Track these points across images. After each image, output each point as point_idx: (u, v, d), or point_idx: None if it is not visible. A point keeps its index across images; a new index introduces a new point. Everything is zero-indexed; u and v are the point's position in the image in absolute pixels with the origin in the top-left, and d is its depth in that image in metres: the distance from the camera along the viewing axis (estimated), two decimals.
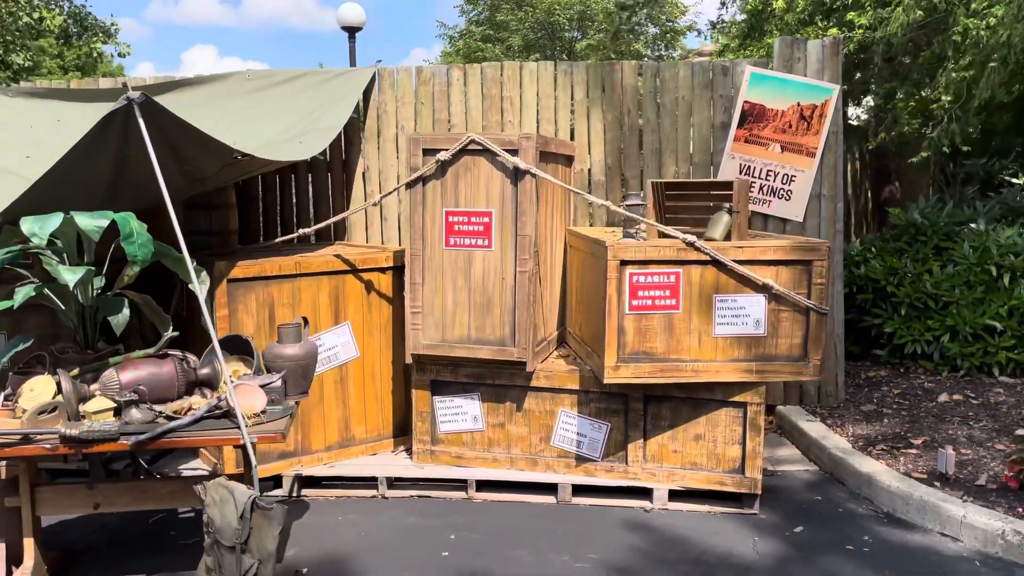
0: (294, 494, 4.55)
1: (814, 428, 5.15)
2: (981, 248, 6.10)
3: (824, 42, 5.50)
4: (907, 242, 6.67)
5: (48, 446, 3.06)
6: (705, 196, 4.59)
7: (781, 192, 5.49)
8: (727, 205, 4.19)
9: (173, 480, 3.80)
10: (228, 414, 3.24)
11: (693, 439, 4.32)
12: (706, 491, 4.34)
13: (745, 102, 5.49)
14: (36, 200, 3.52)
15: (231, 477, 3.42)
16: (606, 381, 4.12)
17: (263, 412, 3.32)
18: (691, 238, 4.02)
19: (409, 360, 4.55)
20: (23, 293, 3.27)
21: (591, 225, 5.69)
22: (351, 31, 12.87)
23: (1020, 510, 3.92)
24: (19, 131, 4.09)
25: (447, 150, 4.29)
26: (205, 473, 4.58)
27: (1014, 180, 8.05)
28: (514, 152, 4.22)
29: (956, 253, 6.20)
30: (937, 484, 4.26)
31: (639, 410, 4.35)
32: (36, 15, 11.83)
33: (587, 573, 3.66)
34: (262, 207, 5.94)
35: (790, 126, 5.44)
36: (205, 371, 3.53)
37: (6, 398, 3.40)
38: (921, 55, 7.50)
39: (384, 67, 5.73)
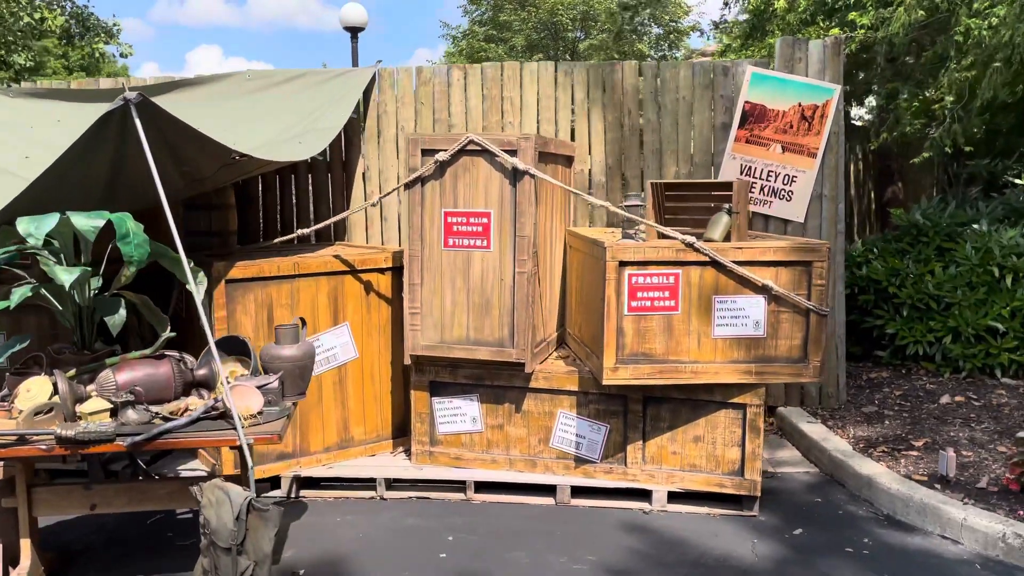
0: (292, 495, 4.55)
1: (815, 430, 5.13)
2: (983, 249, 6.07)
3: (825, 42, 5.48)
4: (909, 243, 6.65)
5: (44, 447, 3.06)
6: (705, 197, 4.58)
7: (782, 193, 5.48)
8: (727, 206, 4.18)
9: (170, 481, 3.79)
10: (225, 415, 3.23)
11: (692, 441, 4.30)
12: (705, 493, 4.33)
13: (746, 102, 5.47)
14: (34, 200, 3.51)
15: (229, 478, 3.42)
16: (605, 382, 4.10)
17: (260, 413, 3.31)
18: (690, 239, 4.01)
19: (408, 361, 4.54)
20: (19, 294, 3.27)
21: (591, 226, 5.68)
22: (353, 31, 12.88)
23: (1021, 513, 3.90)
24: (19, 131, 4.09)
25: (446, 151, 4.28)
26: (203, 474, 4.57)
27: (1017, 181, 8.02)
28: (513, 153, 4.21)
29: (958, 254, 6.17)
30: (938, 486, 4.24)
31: (638, 411, 4.33)
32: (37, 15, 11.85)
33: (585, 575, 3.65)
34: (262, 207, 5.94)
35: (791, 126, 5.42)
36: (202, 372, 3.52)
37: (2, 399, 3.39)
38: (923, 55, 7.47)
39: (384, 67, 5.73)
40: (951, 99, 6.63)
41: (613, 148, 5.67)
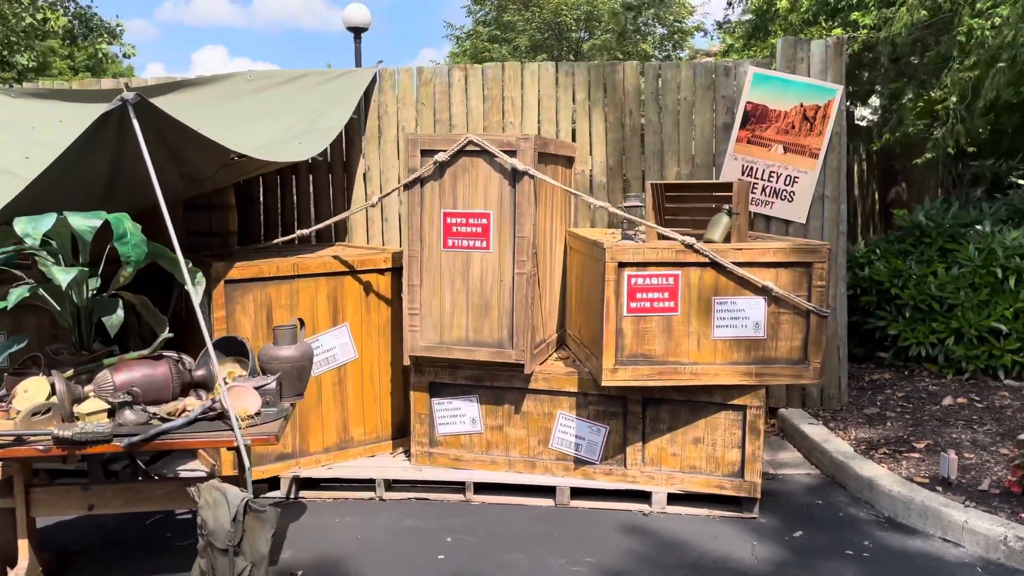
0: (291, 496, 4.54)
1: (816, 431, 5.11)
2: (987, 250, 6.04)
3: (827, 42, 5.46)
4: (912, 244, 6.62)
5: (41, 448, 3.06)
6: (705, 198, 4.56)
7: (784, 193, 5.46)
8: (727, 207, 4.16)
9: (168, 482, 3.79)
10: (222, 416, 3.23)
11: (692, 442, 4.29)
12: (705, 495, 4.31)
13: (748, 103, 5.45)
14: (34, 200, 3.52)
15: (228, 479, 3.41)
16: (604, 383, 4.09)
17: (257, 414, 3.30)
18: (690, 240, 3.99)
19: (407, 362, 4.54)
20: (17, 294, 3.27)
21: (592, 226, 5.66)
22: (356, 32, 12.88)
23: (1023, 515, 3.88)
24: (21, 131, 4.10)
25: (445, 151, 4.27)
26: (203, 474, 4.57)
27: (1021, 181, 7.98)
28: (512, 153, 4.20)
29: (961, 255, 6.15)
30: (939, 489, 4.22)
31: (638, 413, 4.32)
32: (40, 16, 11.88)
33: None
34: (263, 208, 5.94)
35: (793, 127, 5.41)
36: (200, 372, 3.52)
37: (1, 399, 3.39)
38: (927, 55, 7.44)
39: (385, 68, 5.72)
40: (954, 99, 6.60)
41: (614, 149, 5.66)
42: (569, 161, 5.16)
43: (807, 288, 4.03)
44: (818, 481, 4.74)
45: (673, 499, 4.33)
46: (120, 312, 3.54)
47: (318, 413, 4.66)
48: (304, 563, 3.77)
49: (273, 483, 4.58)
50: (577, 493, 4.43)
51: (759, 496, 4.23)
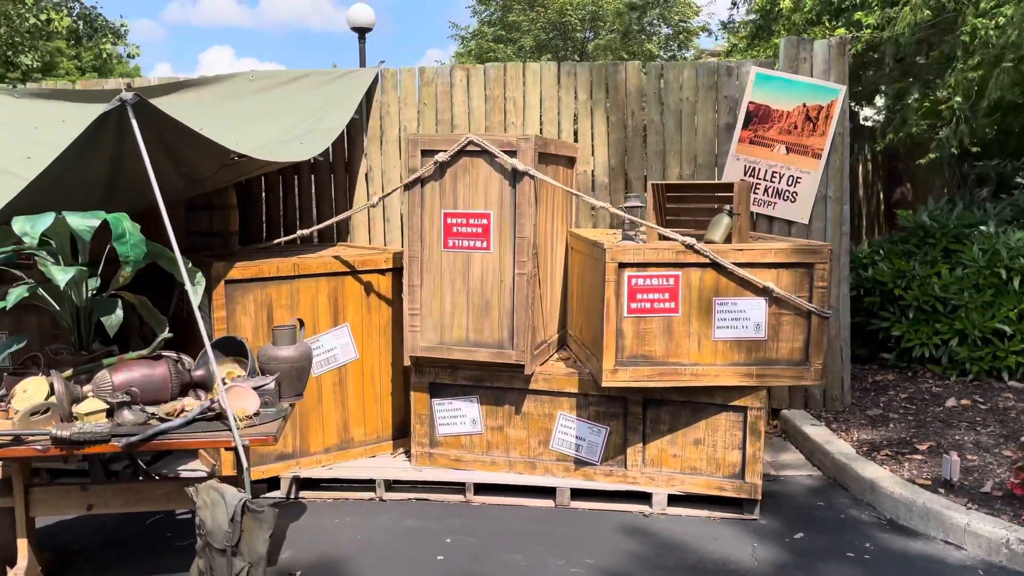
0: (292, 496, 4.54)
1: (818, 433, 5.09)
2: (991, 251, 6.01)
3: (831, 42, 5.44)
4: (915, 244, 6.59)
5: (39, 447, 3.06)
6: (707, 198, 4.54)
7: (786, 194, 5.44)
8: (728, 207, 4.14)
9: (168, 482, 3.79)
10: (221, 416, 3.23)
11: (693, 443, 4.27)
12: (706, 496, 4.30)
13: (750, 103, 5.44)
14: (34, 200, 3.52)
15: (228, 479, 3.41)
16: (604, 384, 4.08)
17: (256, 414, 3.30)
18: (690, 240, 3.98)
19: (408, 362, 4.53)
20: (16, 294, 3.27)
21: (594, 227, 5.65)
22: (361, 32, 12.89)
23: None
24: (23, 131, 4.11)
25: (445, 151, 4.27)
26: (204, 474, 4.57)
27: None
28: (512, 153, 4.19)
29: (965, 256, 6.12)
30: (941, 491, 4.20)
31: (638, 414, 4.31)
32: (43, 17, 11.91)
33: None
34: (264, 208, 5.95)
35: (796, 127, 5.39)
36: (199, 373, 3.52)
37: (0, 399, 3.40)
38: (931, 55, 7.41)
39: (387, 68, 5.72)
40: (959, 99, 6.57)
41: (616, 149, 5.65)
42: (570, 161, 5.15)
43: (808, 289, 4.01)
44: (820, 483, 4.72)
45: (673, 500, 4.32)
46: (119, 312, 3.54)
47: (318, 413, 4.66)
48: (304, 563, 3.77)
49: (273, 483, 4.58)
50: (577, 494, 4.42)
51: (760, 498, 4.22)
